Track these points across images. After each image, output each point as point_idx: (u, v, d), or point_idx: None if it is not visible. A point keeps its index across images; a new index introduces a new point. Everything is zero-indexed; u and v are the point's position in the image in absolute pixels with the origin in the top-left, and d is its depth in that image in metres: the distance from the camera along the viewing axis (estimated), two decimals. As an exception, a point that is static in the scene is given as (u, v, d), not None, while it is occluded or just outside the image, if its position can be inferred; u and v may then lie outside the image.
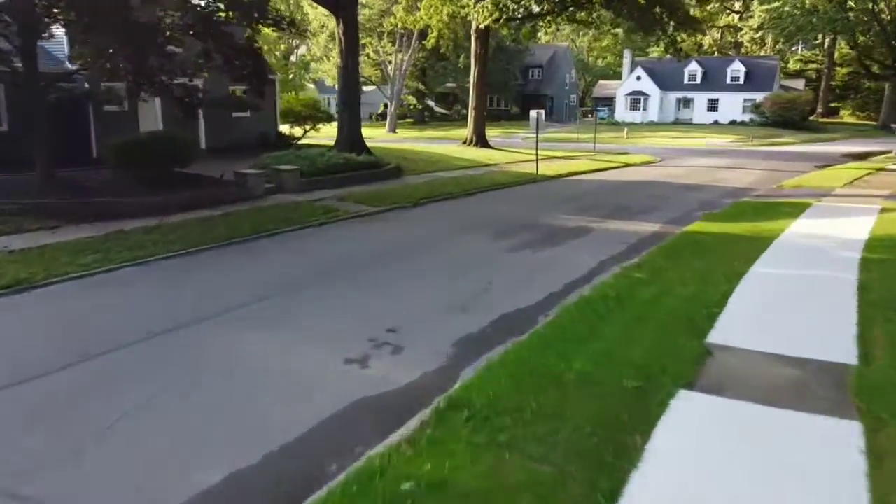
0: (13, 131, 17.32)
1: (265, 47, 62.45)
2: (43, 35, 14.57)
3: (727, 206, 16.16)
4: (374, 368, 6.22)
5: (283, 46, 63.92)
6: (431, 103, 64.29)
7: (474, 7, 29.15)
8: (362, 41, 51.66)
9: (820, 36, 63.24)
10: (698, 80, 58.33)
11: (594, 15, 31.44)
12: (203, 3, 13.23)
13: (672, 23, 28.25)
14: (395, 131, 50.71)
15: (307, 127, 26.11)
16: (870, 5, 47.29)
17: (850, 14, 46.95)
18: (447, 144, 35.23)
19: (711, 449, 4.51)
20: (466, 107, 39.82)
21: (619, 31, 35.93)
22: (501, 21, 29.59)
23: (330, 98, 54.85)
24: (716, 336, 6.63)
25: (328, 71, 54.34)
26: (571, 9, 30.11)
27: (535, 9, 30.26)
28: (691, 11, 28.57)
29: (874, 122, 61.93)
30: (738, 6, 65.24)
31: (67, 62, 16.97)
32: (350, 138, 21.72)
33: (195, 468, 4.50)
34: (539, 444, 4.50)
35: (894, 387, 5.31)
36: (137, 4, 12.11)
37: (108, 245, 10.91)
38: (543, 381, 5.58)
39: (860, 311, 7.36)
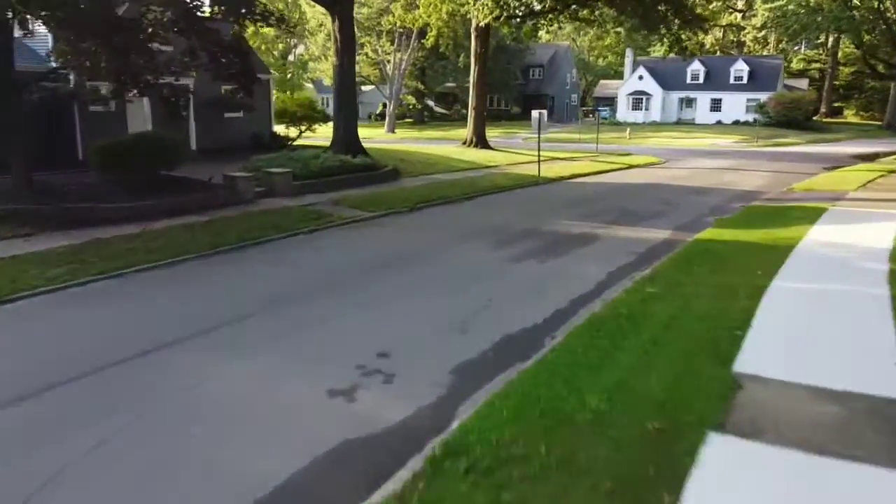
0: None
1: (262, 46, 61.88)
2: (24, 31, 13.93)
3: (738, 210, 15.47)
4: (362, 402, 5.54)
5: (280, 46, 63.25)
6: (431, 103, 63.58)
7: (474, 5, 28.47)
8: (361, 40, 50.96)
9: (823, 35, 62.62)
10: (701, 80, 57.61)
11: (596, 13, 30.76)
12: (187, -1, 12.56)
13: (677, 21, 27.55)
14: (393, 131, 50.00)
15: (302, 128, 25.42)
16: (875, 4, 46.62)
17: (856, 13, 46.25)
18: (446, 145, 34.53)
19: (755, 514, 3.83)
20: (466, 107, 39.12)
21: (622, 29, 35.08)
22: (502, 19, 28.90)
23: (328, 98, 54.12)
24: (743, 363, 5.95)
25: (326, 70, 53.59)
26: (574, 7, 29.42)
27: (537, 6, 29.59)
28: (696, 9, 27.81)
29: (879, 122, 61.22)
30: (740, 5, 64.53)
31: (53, 61, 16.26)
32: (346, 139, 21.03)
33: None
34: (551, 509, 3.82)
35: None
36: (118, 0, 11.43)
37: (84, 255, 10.22)
38: (553, 421, 4.90)
39: (900, 333, 6.69)
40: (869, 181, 20.42)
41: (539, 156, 21.61)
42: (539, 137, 21.32)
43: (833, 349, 6.42)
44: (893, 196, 16.98)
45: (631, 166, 26.26)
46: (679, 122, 57.00)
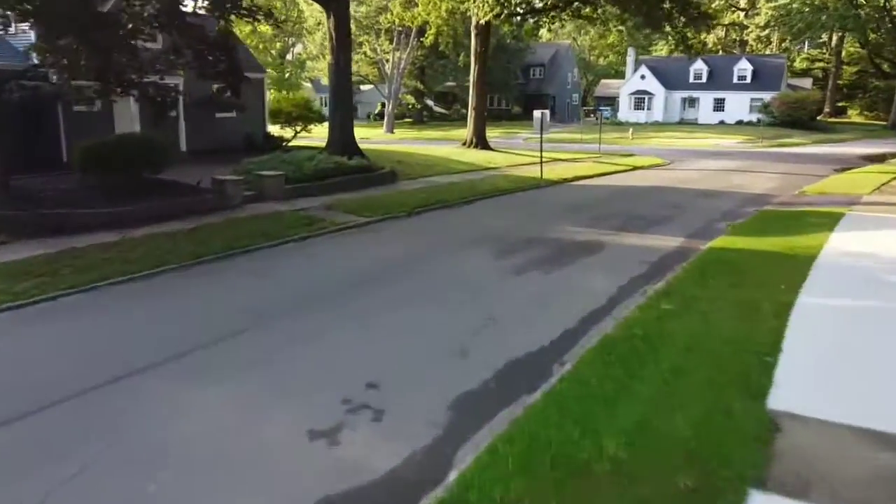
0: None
1: (260, 45, 61.19)
2: (3, 27, 13.24)
3: (750, 215, 14.78)
4: (347, 445, 4.85)
5: (278, 45, 62.53)
6: (430, 103, 62.88)
7: (474, 2, 27.77)
8: (359, 39, 50.26)
9: (826, 34, 61.94)
10: (704, 79, 56.88)
11: (599, 11, 30.03)
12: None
13: (682, 19, 26.84)
14: (392, 131, 49.29)
15: (298, 128, 24.72)
16: (881, 2, 45.93)
17: (861, 11, 45.55)
18: (446, 146, 33.83)
19: None
20: (466, 106, 38.43)
21: (624, 28, 34.37)
22: (503, 17, 28.21)
23: (326, 97, 53.50)
24: (779, 398, 5.27)
25: (324, 69, 52.80)
26: (576, 4, 28.71)
27: (538, 4, 28.90)
28: (702, 6, 27.07)
29: (883, 122, 60.53)
30: (743, 3, 63.82)
31: (33, 59, 15.58)
32: (342, 140, 20.34)
33: None
34: None
35: None
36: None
37: (58, 266, 9.53)
38: (565, 472, 4.22)
39: (951, 361, 6.01)
40: (883, 184, 19.72)
41: (542, 157, 20.93)
42: (541, 138, 20.65)
43: (876, 379, 5.74)
44: (911, 200, 16.31)
45: (635, 168, 25.56)
46: (681, 122, 56.29)
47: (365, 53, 52.02)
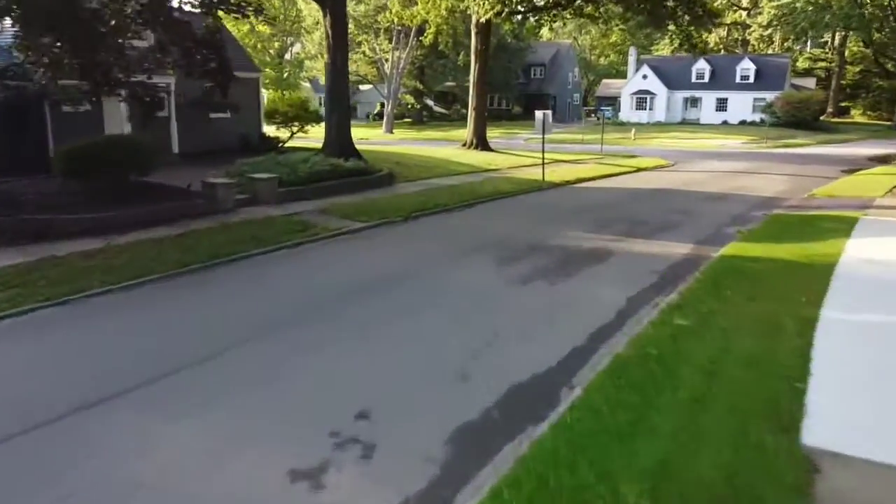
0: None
1: (258, 45, 60.63)
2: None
3: (760, 220, 14.26)
4: (332, 490, 4.32)
5: (277, 44, 61.96)
6: (430, 103, 62.35)
7: (474, 0, 27.23)
8: (358, 38, 49.76)
9: (829, 34, 61.40)
10: (706, 79, 56.35)
11: (601, 9, 29.49)
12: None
13: (687, 17, 26.30)
14: (391, 132, 48.75)
15: (294, 129, 24.18)
16: (885, 1, 45.29)
17: (866, 10, 44.93)
18: (446, 147, 33.31)
19: None
20: (466, 106, 37.88)
21: (627, 26, 33.85)
22: (504, 14, 27.68)
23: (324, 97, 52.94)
24: (814, 432, 4.74)
25: (322, 69, 52.39)
26: (578, 2, 28.17)
27: (539, 2, 28.35)
28: (707, 4, 26.49)
29: (887, 122, 60.09)
30: (745, 2, 63.28)
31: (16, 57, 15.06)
32: (339, 141, 19.81)
33: None
34: None
35: None
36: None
37: (34, 276, 9.01)
38: (581, 528, 3.69)
39: None
40: (895, 186, 19.19)
41: (544, 159, 20.40)
42: (543, 140, 20.13)
43: (920, 409, 5.21)
44: (926, 203, 15.78)
45: (639, 169, 25.02)
46: (684, 122, 55.77)
47: (364, 53, 51.51)
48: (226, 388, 5.81)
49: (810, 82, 60.03)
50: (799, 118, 48.45)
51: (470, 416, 5.28)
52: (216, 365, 6.34)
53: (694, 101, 57.18)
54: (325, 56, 19.98)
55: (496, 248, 11.25)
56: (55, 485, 4.34)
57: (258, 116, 23.64)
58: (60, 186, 13.55)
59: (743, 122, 53.41)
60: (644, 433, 4.79)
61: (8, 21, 14.13)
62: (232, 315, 7.83)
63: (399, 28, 44.11)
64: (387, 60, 49.13)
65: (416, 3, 30.94)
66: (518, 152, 30.57)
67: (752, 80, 54.68)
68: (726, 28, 68.81)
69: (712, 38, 68.33)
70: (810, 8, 46.97)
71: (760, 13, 59.35)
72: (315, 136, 25.37)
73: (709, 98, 56.22)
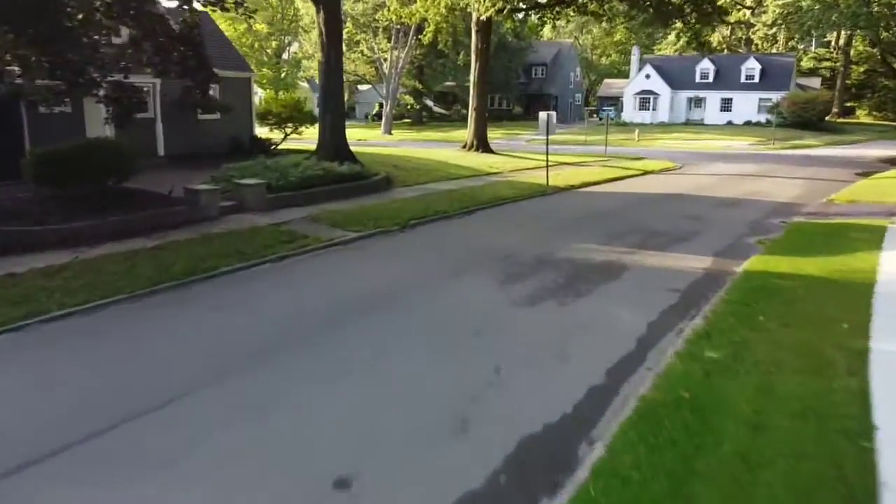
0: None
1: (255, 44, 59.72)
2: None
3: (781, 228, 13.39)
4: None
5: (274, 43, 61.05)
6: (430, 103, 61.46)
7: (475, -3, 26.37)
8: (356, 38, 48.90)
9: (834, 33, 60.52)
10: (710, 79, 55.45)
11: (605, 7, 28.58)
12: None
13: (695, 14, 25.40)
14: (390, 133, 47.85)
15: (288, 130, 23.29)
16: (894, -1, 44.44)
17: (874, 8, 44.08)
18: (445, 148, 32.45)
19: None
20: (466, 106, 37.00)
21: (632, 24, 32.95)
22: (505, 12, 26.79)
23: (322, 97, 51.96)
24: (897, 513, 3.84)
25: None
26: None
27: (542, -1, 27.50)
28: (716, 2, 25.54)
29: (893, 123, 59.19)
30: (749, 1, 62.41)
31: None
32: (333, 144, 18.92)
33: None
34: None
35: None
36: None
37: (-13, 296, 8.10)
38: None
39: None
40: (917, 191, 18.30)
41: (548, 162, 19.51)
42: (547, 142, 19.24)
43: None
44: (955, 210, 14.87)
45: (646, 172, 24.13)
46: (688, 123, 54.88)
47: (362, 52, 50.65)
48: (174, 445, 4.90)
49: (815, 82, 59.14)
50: (805, 118, 47.57)
51: (472, 483, 4.38)
52: (169, 413, 5.42)
53: (698, 102, 56.27)
54: (319, 54, 19.09)
55: (499, 262, 10.34)
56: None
57: (250, 117, 22.72)
58: (33, 194, 12.66)
59: (748, 123, 52.52)
60: (686, 512, 3.89)
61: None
62: (199, 346, 6.92)
63: (398, 27, 43.23)
64: (385, 60, 48.22)
65: (415, 1, 30.05)
66: (520, 154, 29.69)
67: (757, 79, 53.78)
68: (729, 27, 67.92)
69: (715, 38, 67.42)
70: (817, 6, 46.15)
71: (765, 12, 58.50)
72: (310, 137, 24.47)
73: (713, 98, 55.31)
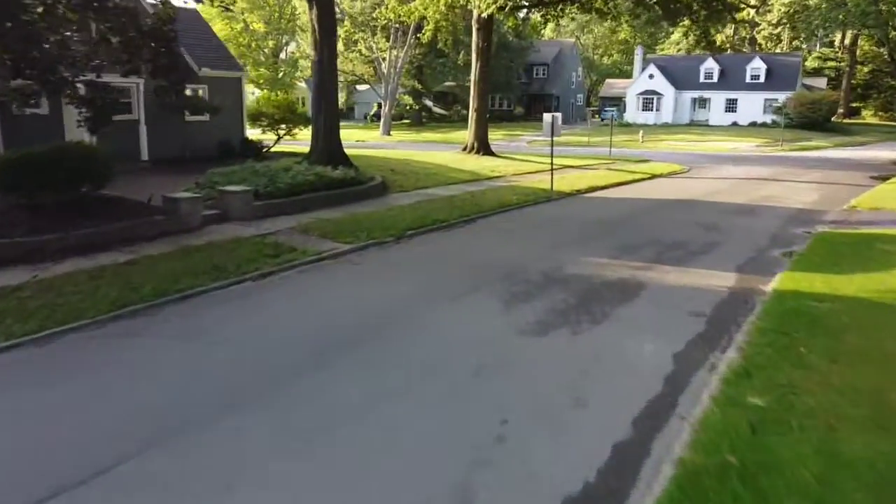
0: None
1: (252, 43, 58.77)
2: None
3: (804, 239, 12.47)
4: None
5: (271, 43, 60.11)
6: (429, 103, 60.52)
7: (476, -6, 25.43)
8: (354, 37, 47.97)
9: (839, 32, 59.62)
10: (715, 79, 54.49)
11: (610, 4, 27.63)
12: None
13: (703, 12, 24.46)
14: (389, 134, 46.92)
15: (281, 132, 22.36)
16: (902, -3, 43.49)
17: (882, 6, 43.12)
18: (445, 150, 31.53)
19: None
20: (466, 107, 36.07)
21: (638, 22, 32.01)
22: (507, 9, 25.86)
23: (320, 98, 50.95)
24: None
25: (318, 69, 50.47)
26: (586, -4, 26.37)
27: (546, -5, 26.55)
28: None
29: (900, 123, 58.26)
30: (753, 0, 61.45)
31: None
32: (327, 147, 17.99)
33: None
34: None
35: None
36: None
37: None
38: None
39: None
40: (941, 197, 17.38)
41: (552, 167, 18.58)
42: (552, 145, 18.30)
43: None
44: None
45: (653, 176, 23.22)
46: (692, 124, 53.94)
47: (360, 52, 49.72)
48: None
49: (821, 82, 58.18)
50: (812, 119, 46.64)
51: (475, 591, 3.44)
52: (101, 488, 4.47)
53: (702, 102, 55.33)
54: (312, 53, 18.16)
55: (503, 280, 9.40)
56: None
57: (241, 119, 21.77)
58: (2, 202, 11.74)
59: (753, 124, 51.59)
60: None
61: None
62: (158, 387, 5.97)
63: (397, 25, 42.29)
64: (384, 59, 47.28)
65: (414, -1, 29.15)
66: (522, 157, 28.77)
67: (762, 79, 52.83)
68: (733, 26, 66.98)
69: (719, 37, 66.46)
70: (824, 5, 45.23)
71: (770, 11, 57.58)
72: (305, 139, 23.52)
73: (718, 98, 54.36)
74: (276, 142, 22.74)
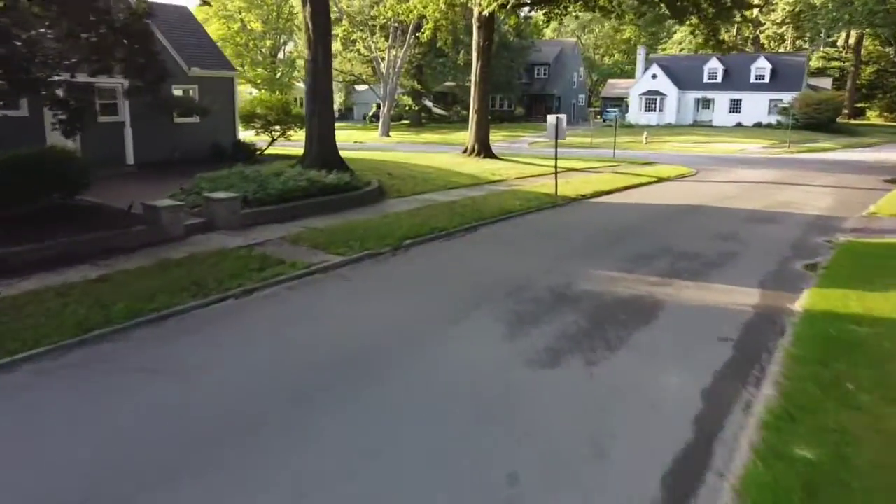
0: None
1: (251, 43, 58.00)
2: None
3: (828, 249, 11.72)
4: None
5: (269, 42, 59.34)
6: (429, 104, 59.73)
7: (477, -9, 24.66)
8: (352, 36, 47.21)
9: (843, 32, 58.85)
10: (719, 79, 53.68)
11: (615, 2, 26.84)
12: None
13: (711, 10, 23.68)
14: (388, 134, 46.15)
15: (275, 134, 21.60)
16: (911, -4, 42.76)
17: (891, 5, 42.38)
18: (445, 151, 30.75)
19: None
20: (466, 107, 35.32)
21: (643, 20, 31.24)
22: (509, 7, 25.09)
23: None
24: None
25: (316, 69, 49.65)
26: (590, -7, 25.59)
27: (549, -7, 25.77)
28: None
29: (907, 124, 57.46)
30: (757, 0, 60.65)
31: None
32: (321, 151, 17.22)
33: None
34: None
35: None
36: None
37: None
38: None
39: None
40: (964, 202, 16.62)
41: (556, 171, 17.82)
42: (556, 149, 17.55)
43: None
44: None
45: (660, 179, 22.45)
46: (695, 124, 53.16)
47: (359, 51, 48.94)
48: None
49: (826, 82, 57.37)
50: (818, 120, 45.86)
51: None
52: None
53: (706, 103, 54.52)
54: (306, 52, 17.39)
55: (507, 297, 8.64)
56: None
57: (233, 121, 20.98)
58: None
59: (758, 125, 50.80)
60: None
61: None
62: (89, 446, 5.13)
63: (396, 24, 41.54)
64: (383, 59, 46.50)
65: (413, -4, 28.37)
66: (524, 159, 27.99)
67: (767, 79, 52.02)
68: (736, 26, 66.20)
69: (723, 36, 65.67)
70: (830, 4, 44.49)
71: (774, 10, 56.82)
72: (301, 140, 22.75)
73: (722, 99, 53.56)
74: (270, 144, 21.99)
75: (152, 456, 4.81)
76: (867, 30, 51.93)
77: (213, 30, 53.90)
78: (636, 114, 55.34)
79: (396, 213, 14.26)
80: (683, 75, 54.13)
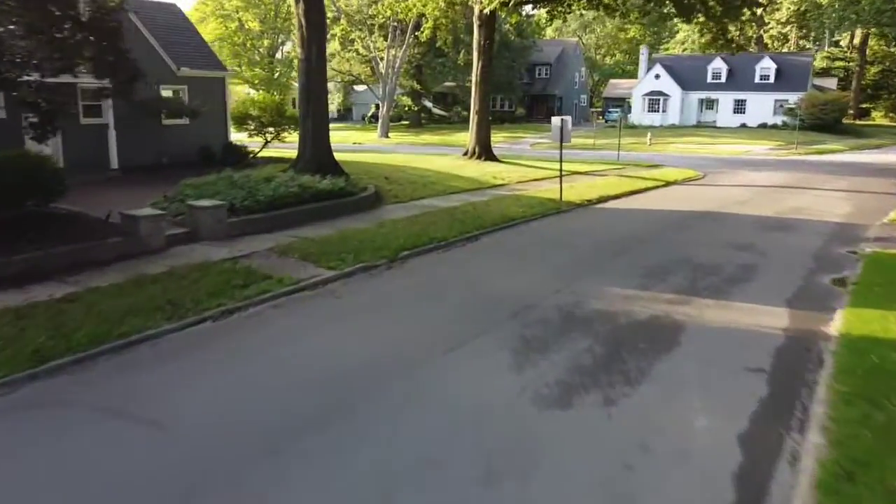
0: None
1: (248, 43, 57.24)
2: None
3: (852, 261, 10.97)
4: None
5: (266, 42, 58.56)
6: (429, 104, 58.93)
7: (478, -11, 23.90)
8: (350, 35, 46.44)
9: (847, 32, 58.12)
10: (723, 79, 52.91)
11: (619, 1, 26.08)
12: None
13: (719, 7, 22.91)
14: (387, 135, 45.38)
15: (268, 136, 20.84)
16: (919, -5, 41.98)
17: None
18: (445, 153, 29.95)
19: None
20: (467, 108, 34.59)
21: (648, 19, 30.48)
22: (510, 5, 24.34)
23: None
24: None
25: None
26: (595, -9, 24.84)
27: (552, -9, 25.02)
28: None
29: (913, 125, 56.69)
30: (761, -1, 59.80)
31: None
32: (315, 154, 16.48)
33: None
34: None
35: None
36: None
37: None
38: None
39: None
40: None
41: (561, 175, 17.06)
42: (561, 152, 16.79)
43: None
44: None
45: (668, 183, 21.69)
46: (699, 125, 52.38)
47: (357, 51, 48.15)
48: None
49: (831, 82, 56.60)
50: (824, 121, 45.10)
51: None
52: None
53: (710, 103, 53.74)
54: (299, 51, 16.64)
55: (512, 319, 7.88)
56: None
57: (224, 122, 20.20)
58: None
59: (763, 126, 50.02)
60: None
61: None
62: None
63: (395, 23, 40.79)
64: (382, 59, 45.73)
65: (412, -5, 27.62)
66: (526, 161, 27.21)
67: (772, 80, 51.26)
68: (739, 25, 65.38)
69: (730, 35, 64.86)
70: (837, 3, 43.74)
71: (778, 9, 56.05)
72: (295, 142, 22.02)
73: (726, 99, 52.78)
74: (263, 147, 21.23)
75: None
76: (873, 29, 51.15)
77: (211, 29, 53.17)
78: (639, 114, 54.57)
79: (393, 221, 13.51)
80: (687, 75, 53.37)
